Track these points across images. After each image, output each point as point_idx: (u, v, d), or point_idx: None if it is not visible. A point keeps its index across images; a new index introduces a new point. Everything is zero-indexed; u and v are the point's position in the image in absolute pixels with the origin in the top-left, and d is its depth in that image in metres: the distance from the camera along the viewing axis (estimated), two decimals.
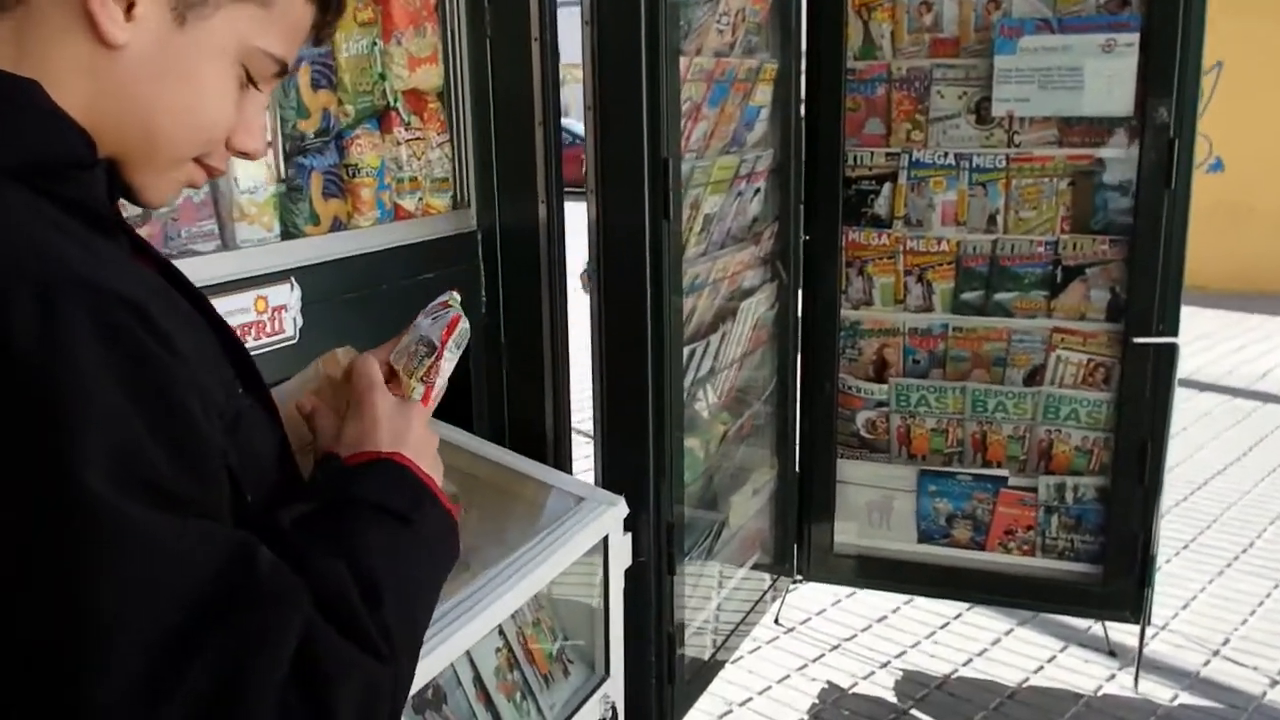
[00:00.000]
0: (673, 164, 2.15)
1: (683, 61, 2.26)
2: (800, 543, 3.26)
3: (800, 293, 3.10)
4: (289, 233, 1.79)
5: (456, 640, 1.62)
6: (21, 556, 0.58)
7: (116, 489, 0.59)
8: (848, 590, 3.53)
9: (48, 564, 0.58)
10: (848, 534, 3.24)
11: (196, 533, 0.63)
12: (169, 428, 0.63)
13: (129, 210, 1.51)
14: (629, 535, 2.16)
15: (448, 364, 0.97)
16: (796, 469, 3.21)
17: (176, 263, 1.54)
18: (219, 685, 0.61)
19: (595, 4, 2.04)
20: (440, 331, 0.97)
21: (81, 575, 0.58)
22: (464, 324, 0.99)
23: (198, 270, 1.59)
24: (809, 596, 3.52)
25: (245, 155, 0.82)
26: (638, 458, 2.25)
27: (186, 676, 0.60)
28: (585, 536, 2.02)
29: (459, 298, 1.02)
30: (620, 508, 2.09)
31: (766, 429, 3.17)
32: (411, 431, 0.88)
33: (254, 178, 1.68)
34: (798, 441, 3.19)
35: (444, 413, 2.11)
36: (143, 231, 1.52)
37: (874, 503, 3.21)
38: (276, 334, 1.71)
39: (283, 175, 1.76)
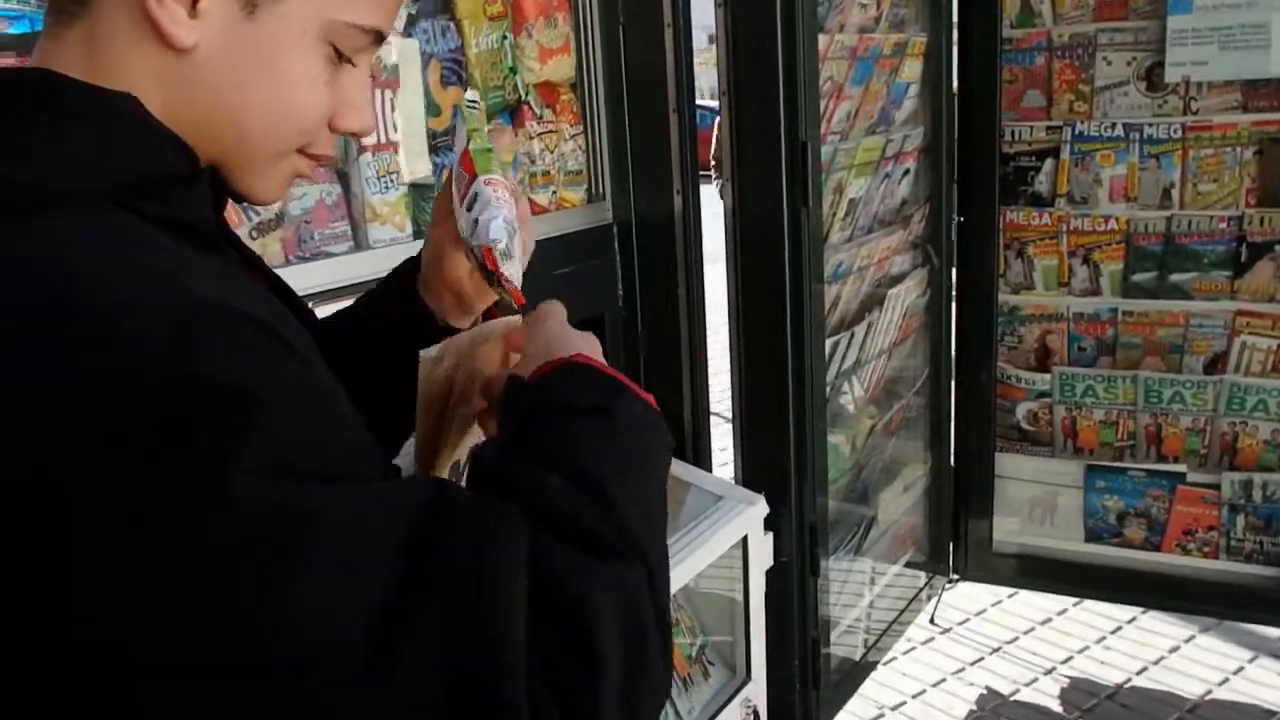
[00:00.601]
0: (811, 147, 2.06)
1: (822, 40, 2.16)
2: (956, 540, 3.11)
3: (954, 277, 2.94)
4: (421, 232, 1.78)
5: None
6: (205, 582, 0.52)
7: (283, 483, 0.54)
8: (1008, 591, 3.36)
9: (238, 581, 0.53)
10: (1008, 532, 3.07)
11: (379, 493, 0.59)
12: (322, 416, 0.60)
13: (266, 212, 1.54)
14: (770, 535, 2.09)
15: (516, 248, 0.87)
16: (951, 463, 3.05)
17: (309, 266, 1.59)
18: (452, 615, 0.55)
19: None
20: (493, 223, 0.84)
21: (280, 578, 0.53)
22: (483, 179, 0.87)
23: (332, 272, 1.61)
24: (967, 596, 3.36)
25: (353, 134, 0.76)
26: (778, 455, 2.17)
27: (415, 615, 0.54)
28: (724, 536, 1.96)
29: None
30: (759, 507, 2.02)
31: (918, 422, 3.03)
32: (570, 332, 0.80)
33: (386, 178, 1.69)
34: (953, 435, 3.04)
35: None
36: (276, 235, 1.54)
37: (1036, 499, 3.03)
38: None
39: (413, 174, 1.76)
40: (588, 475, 0.65)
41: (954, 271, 2.95)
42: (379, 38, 0.72)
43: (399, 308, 1.00)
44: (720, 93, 2.04)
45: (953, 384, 3.01)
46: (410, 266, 1.03)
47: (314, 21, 0.68)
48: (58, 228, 0.58)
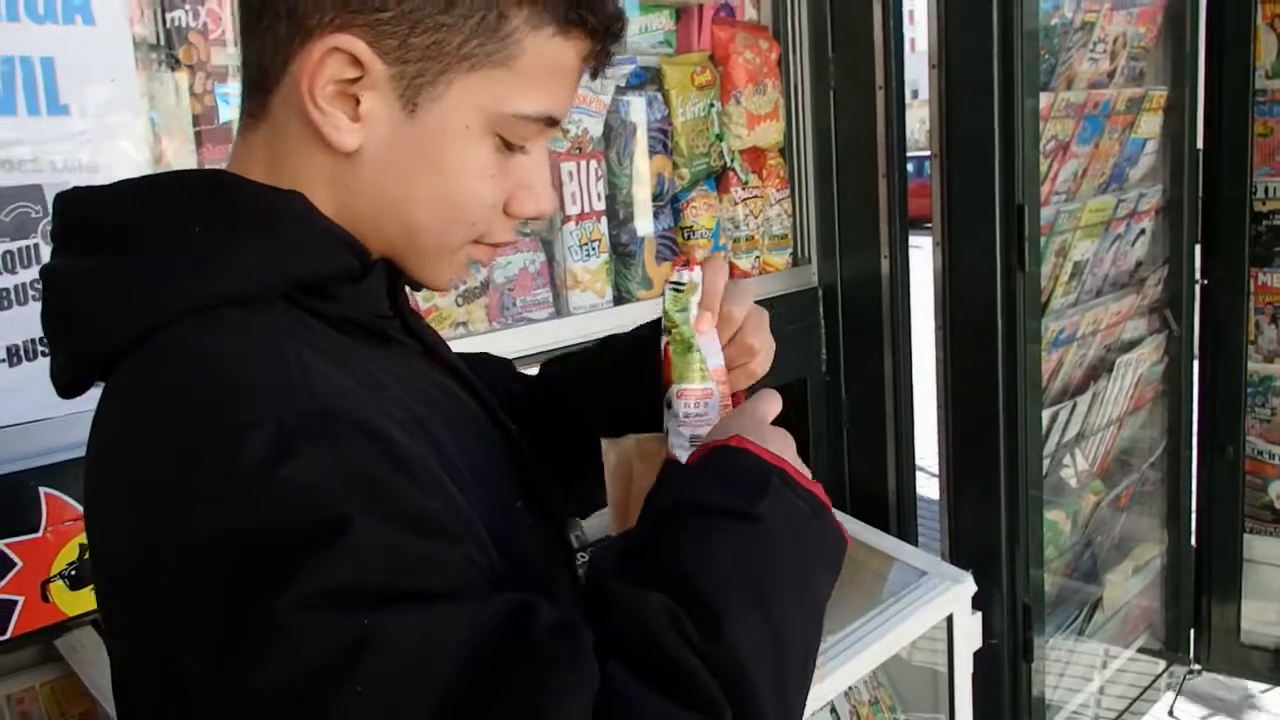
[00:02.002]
0: (1029, 210, 1.96)
1: (1044, 98, 2.06)
2: (1199, 627, 2.85)
3: (1196, 345, 2.72)
4: (621, 298, 1.82)
5: None
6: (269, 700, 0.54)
7: (345, 609, 0.54)
8: (1260, 686, 3.04)
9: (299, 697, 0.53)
10: (1260, 621, 2.78)
11: (449, 616, 0.56)
12: (401, 529, 0.57)
13: (470, 280, 1.61)
14: (978, 615, 1.99)
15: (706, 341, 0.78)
16: (1192, 544, 2.81)
17: (511, 331, 1.65)
18: None
19: (943, 46, 1.92)
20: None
21: (342, 699, 0.53)
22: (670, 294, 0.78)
23: (534, 338, 1.67)
24: (1211, 689, 3.06)
25: (531, 219, 0.74)
26: (989, 530, 2.06)
27: None
28: (926, 615, 1.88)
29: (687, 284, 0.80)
30: (967, 585, 1.92)
31: (1153, 497, 2.80)
32: (745, 413, 0.73)
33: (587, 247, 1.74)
34: (1194, 513, 2.79)
35: None
36: (481, 302, 1.61)
37: None
38: None
39: (612, 243, 1.80)
40: (704, 597, 0.59)
41: (1196, 338, 2.73)
42: (551, 122, 0.70)
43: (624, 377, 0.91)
44: (932, 155, 1.98)
45: (1194, 458, 2.78)
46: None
47: (477, 115, 0.67)
48: (226, 331, 0.62)
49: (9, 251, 1.16)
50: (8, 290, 1.16)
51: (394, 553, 0.56)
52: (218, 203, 0.67)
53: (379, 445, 0.59)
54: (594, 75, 0.72)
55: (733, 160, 1.97)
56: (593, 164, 1.74)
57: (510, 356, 1.61)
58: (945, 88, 1.93)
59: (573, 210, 1.72)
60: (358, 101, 0.66)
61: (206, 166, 1.31)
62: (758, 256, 2.04)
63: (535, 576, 0.70)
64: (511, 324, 1.66)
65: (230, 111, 1.34)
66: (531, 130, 0.70)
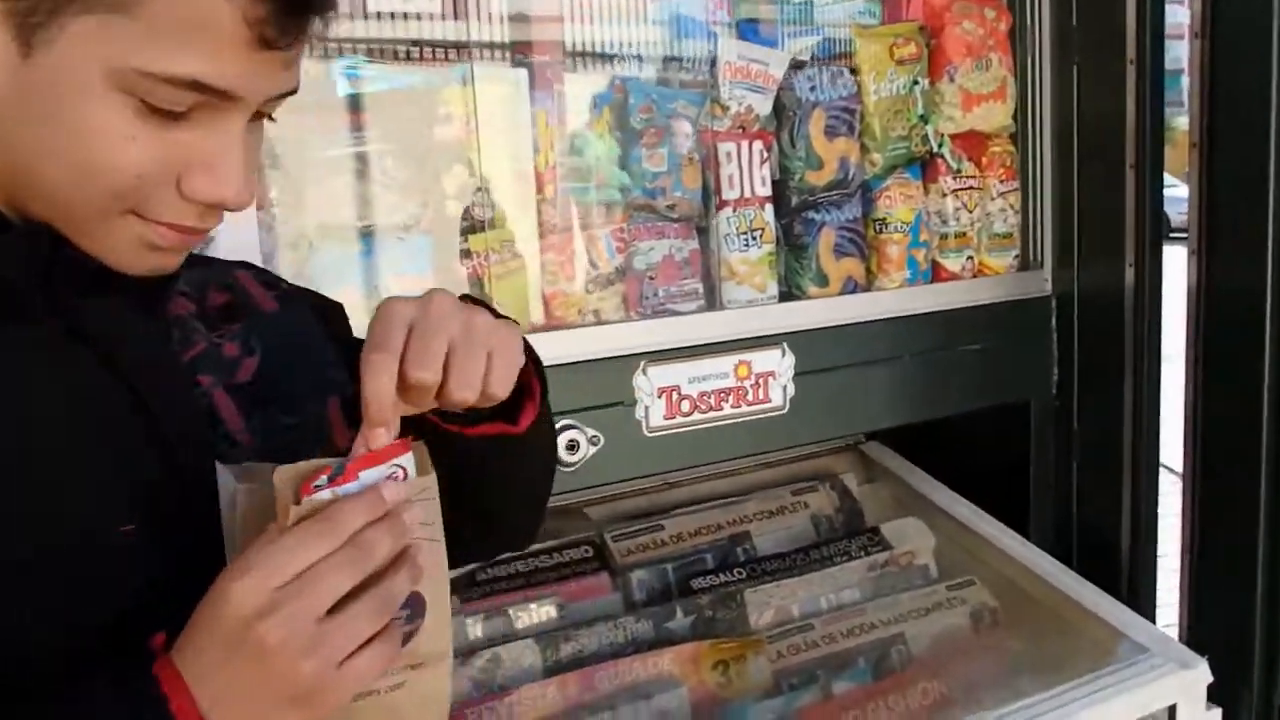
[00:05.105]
0: None
1: None
2: None
3: None
4: (790, 294, 1.64)
5: None
6: None
7: None
8: None
9: None
10: None
11: None
12: None
13: (604, 266, 1.51)
14: (1215, 711, 1.62)
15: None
16: None
17: (649, 324, 1.53)
18: None
19: (1208, 11, 1.56)
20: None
21: None
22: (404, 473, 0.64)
23: (678, 331, 1.54)
24: None
25: (213, 204, 0.63)
26: (1241, 609, 1.67)
27: None
28: (1139, 699, 1.56)
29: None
30: (1198, 672, 1.57)
31: None
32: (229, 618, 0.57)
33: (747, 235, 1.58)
34: None
35: (995, 509, 1.80)
36: (616, 289, 1.50)
37: None
38: (759, 403, 1.58)
39: (783, 232, 1.63)
40: None
41: None
42: (209, 89, 0.59)
43: None
44: (1190, 144, 1.63)
45: None
46: None
47: (97, 67, 0.58)
48: None
49: None
50: None
51: None
52: None
53: None
54: (263, 44, 0.58)
55: (941, 145, 1.72)
56: (757, 145, 1.57)
57: (647, 351, 1.51)
58: (1210, 63, 1.57)
59: (730, 195, 1.57)
60: None
61: (308, 139, 1.31)
62: (970, 257, 1.78)
63: (100, 602, 0.61)
64: (651, 315, 1.54)
65: (345, 85, 1.33)
66: (184, 96, 0.59)
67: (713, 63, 1.54)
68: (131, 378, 0.66)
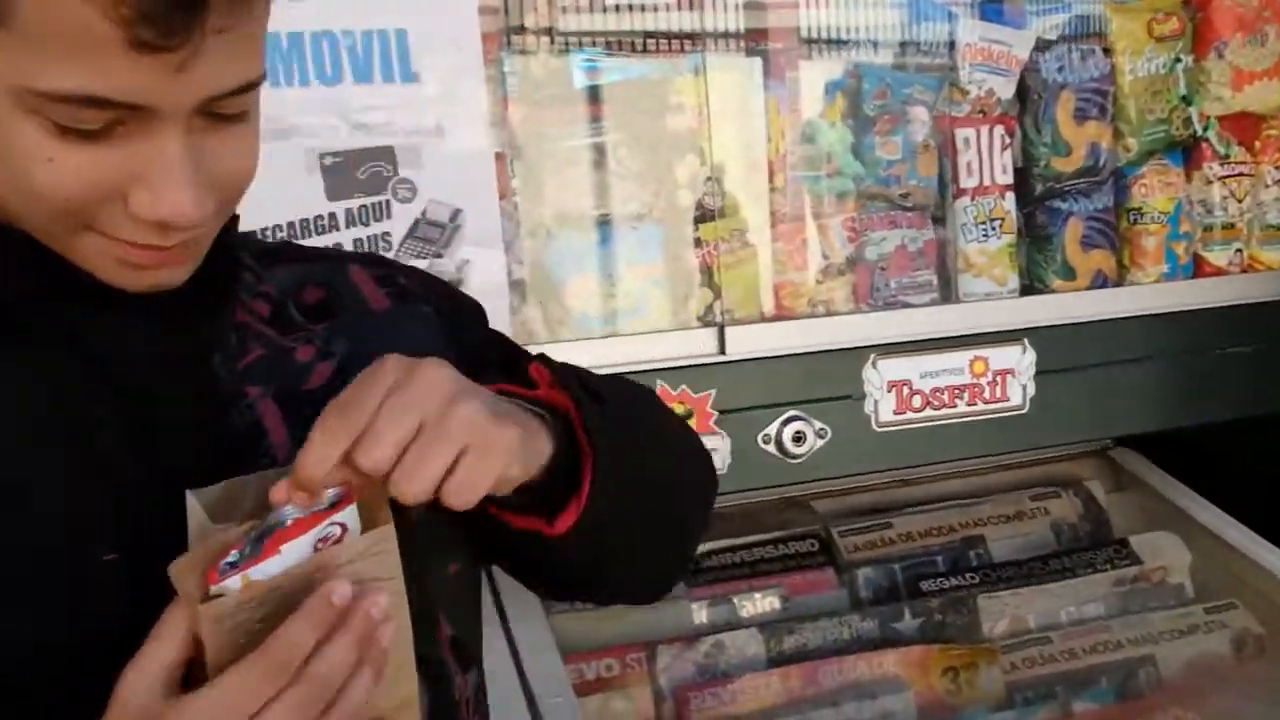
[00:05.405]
0: None
1: None
2: None
3: None
4: (1031, 288, 1.56)
5: None
6: None
7: None
8: None
9: None
10: None
11: None
12: None
13: (834, 256, 1.48)
14: None
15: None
16: None
17: (880, 315, 1.49)
18: None
19: None
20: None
21: None
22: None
23: (910, 324, 1.50)
24: None
25: (157, 221, 0.57)
26: None
27: None
28: None
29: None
30: None
31: None
32: None
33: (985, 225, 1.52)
34: None
35: (1260, 528, 1.65)
36: (845, 279, 1.48)
37: None
38: (996, 401, 1.51)
39: (1025, 222, 1.55)
40: None
41: None
42: (110, 104, 0.54)
43: None
44: None
45: None
46: None
47: (2, 88, 0.54)
48: None
49: (364, 206, 1.30)
50: (361, 240, 1.30)
51: None
52: None
53: None
54: (144, 48, 0.52)
55: (1206, 128, 1.59)
56: (998, 130, 1.51)
57: (877, 343, 1.47)
58: None
59: (968, 183, 1.51)
60: None
61: (547, 130, 1.36)
62: (1239, 250, 1.63)
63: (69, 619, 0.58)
64: (882, 307, 1.51)
65: (583, 77, 1.37)
66: (87, 114, 0.54)
67: (951, 45, 1.49)
68: (137, 401, 0.62)
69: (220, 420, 0.63)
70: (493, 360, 0.77)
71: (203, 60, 0.54)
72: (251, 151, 0.62)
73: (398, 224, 1.29)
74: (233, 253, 0.69)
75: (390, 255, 1.29)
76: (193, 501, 0.57)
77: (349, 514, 0.56)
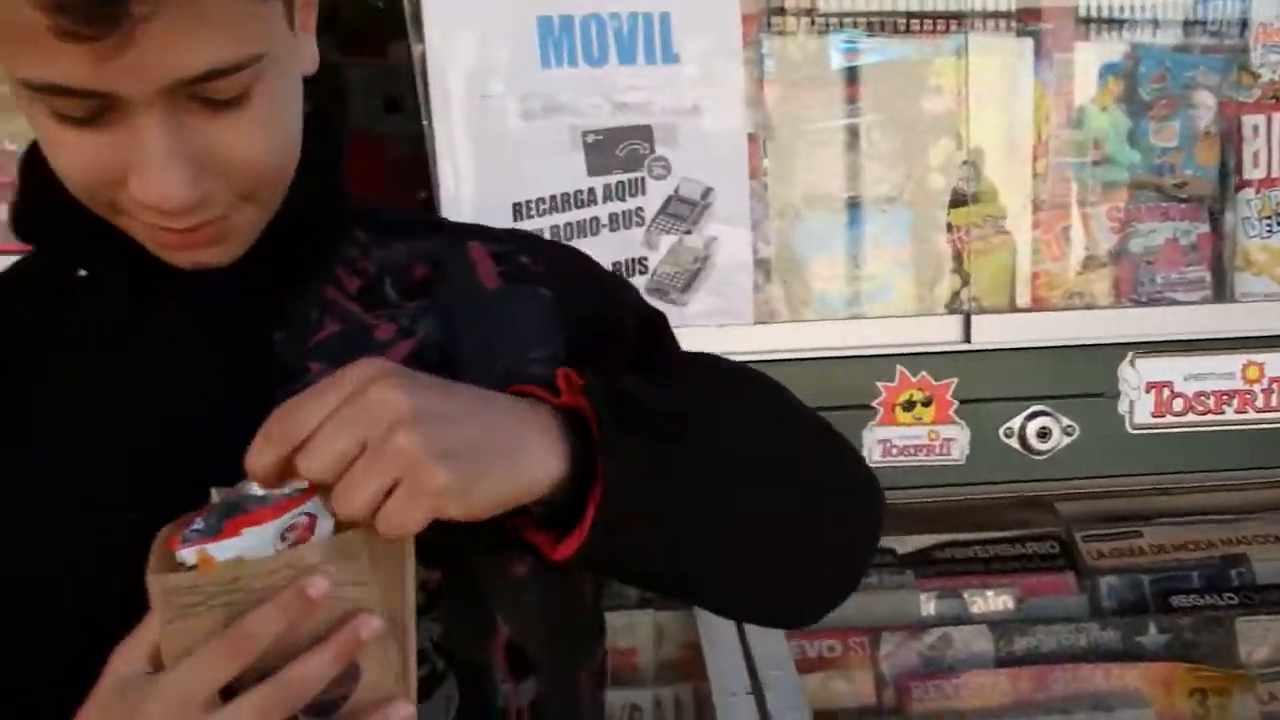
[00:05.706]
0: None
1: None
2: None
3: None
4: None
5: None
6: None
7: None
8: None
9: None
10: None
11: None
12: None
13: (1094, 248, 1.41)
14: None
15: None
16: None
17: (1144, 311, 1.40)
18: None
19: None
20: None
21: None
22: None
23: (1174, 321, 1.41)
24: None
25: (151, 209, 0.59)
26: None
27: None
28: None
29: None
30: None
31: None
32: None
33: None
34: None
35: None
36: (1106, 272, 1.42)
37: None
38: (1270, 411, 1.41)
39: None
40: None
41: None
42: (74, 92, 0.54)
43: None
44: None
45: None
46: None
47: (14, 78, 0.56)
48: None
49: (621, 182, 1.35)
50: (617, 215, 1.36)
51: None
52: None
53: None
54: (71, 38, 0.52)
55: None
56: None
57: (1138, 341, 1.39)
58: None
59: (1254, 174, 1.40)
60: None
61: (802, 112, 1.36)
62: None
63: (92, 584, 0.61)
64: (1145, 303, 1.42)
65: (840, 59, 1.37)
66: (67, 103, 0.55)
67: (1243, 25, 1.38)
68: (172, 380, 0.65)
69: (266, 398, 0.59)
70: (629, 336, 0.75)
71: (147, 46, 0.53)
72: (258, 137, 0.60)
73: (652, 200, 1.33)
74: (331, 228, 0.71)
75: (642, 230, 1.34)
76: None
77: (316, 504, 0.55)
